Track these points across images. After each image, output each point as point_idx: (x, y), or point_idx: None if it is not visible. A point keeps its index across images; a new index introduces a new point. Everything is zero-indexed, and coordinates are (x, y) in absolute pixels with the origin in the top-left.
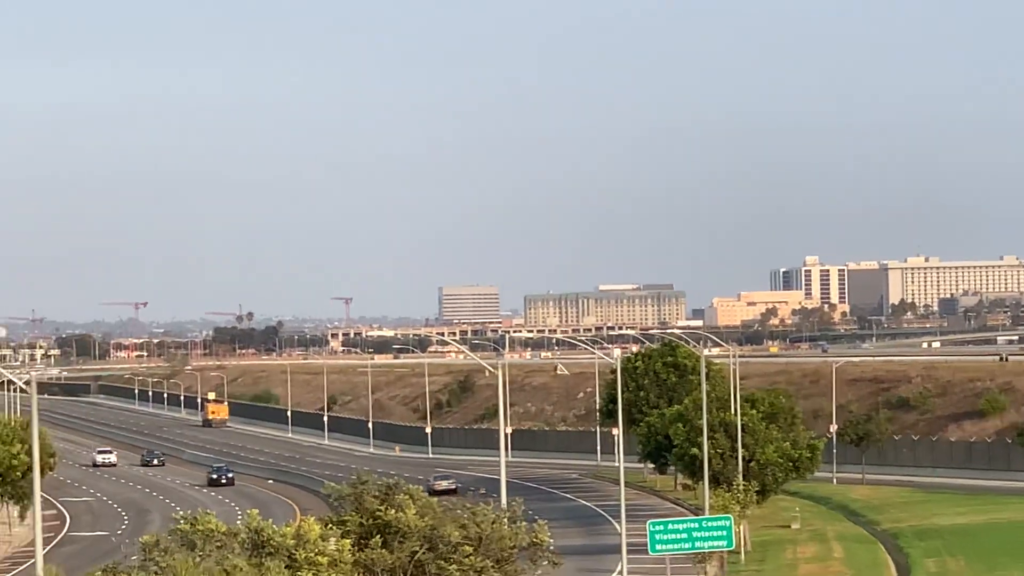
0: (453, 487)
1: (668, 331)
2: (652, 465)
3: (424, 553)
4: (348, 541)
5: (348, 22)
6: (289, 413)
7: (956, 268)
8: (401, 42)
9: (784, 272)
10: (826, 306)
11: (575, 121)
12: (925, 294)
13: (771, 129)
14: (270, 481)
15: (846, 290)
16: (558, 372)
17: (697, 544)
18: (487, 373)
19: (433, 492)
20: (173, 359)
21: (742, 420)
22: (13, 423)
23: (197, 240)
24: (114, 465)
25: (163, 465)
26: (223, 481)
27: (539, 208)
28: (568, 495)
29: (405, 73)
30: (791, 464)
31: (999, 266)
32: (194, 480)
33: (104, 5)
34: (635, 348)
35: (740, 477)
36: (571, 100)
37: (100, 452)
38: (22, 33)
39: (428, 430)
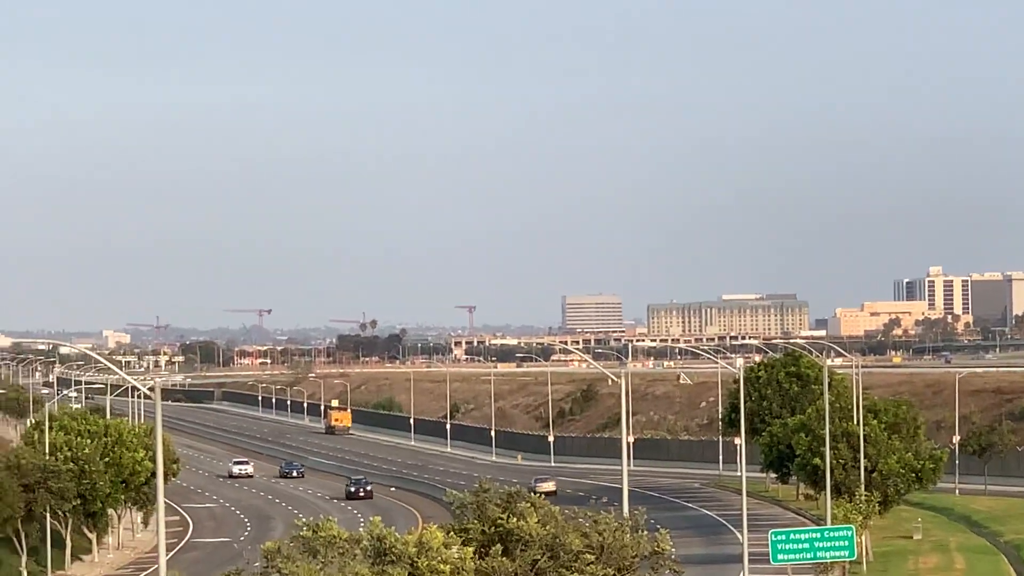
0: (553, 489)
1: (791, 341)
2: (774, 475)
3: (545, 561)
4: (470, 549)
5: (465, 25)
6: (412, 421)
7: None
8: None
9: (907, 282)
10: (949, 317)
11: (699, 129)
12: None
13: (897, 138)
14: (393, 489)
15: (969, 301)
16: (681, 381)
17: (819, 554)
18: (610, 382)
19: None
20: (297, 366)
21: (864, 430)
22: (137, 429)
23: (321, 248)
24: (250, 476)
25: (302, 477)
26: (361, 494)
27: (662, 218)
28: (690, 504)
29: (540, 80)
30: (913, 475)
31: None
32: (325, 489)
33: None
34: (758, 358)
35: (862, 487)
36: (698, 106)
37: (236, 463)
38: (162, 33)
39: (550, 438)
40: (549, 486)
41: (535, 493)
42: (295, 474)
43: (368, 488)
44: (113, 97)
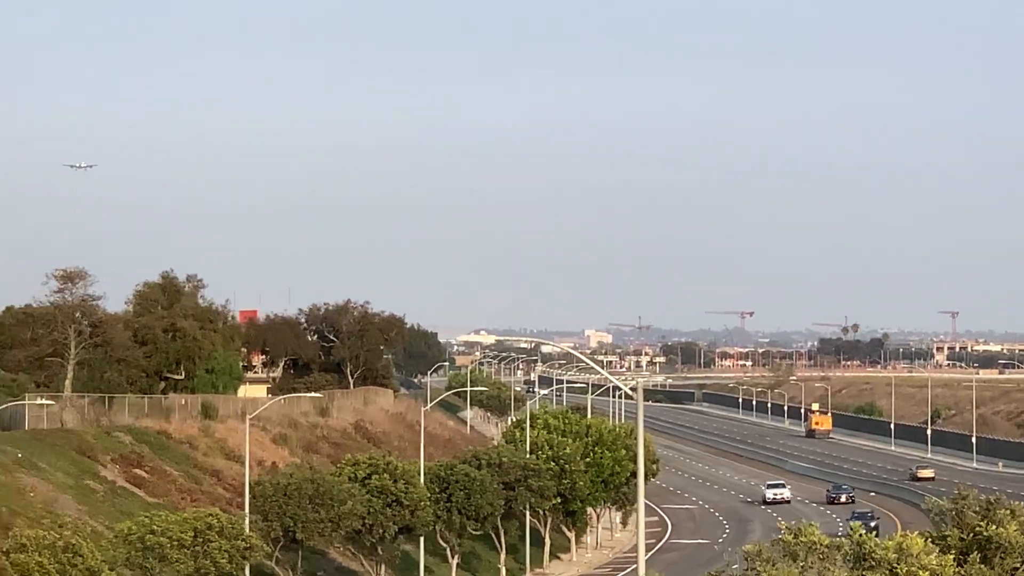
0: (931, 475)
1: None
2: None
3: None
4: (950, 557)
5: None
6: (892, 426)
7: None
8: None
9: None
10: None
11: None
12: None
13: None
14: (872, 494)
15: None
16: None
17: None
18: None
19: (915, 478)
20: (777, 369)
21: None
22: (618, 429)
23: (804, 250)
24: (787, 502)
25: (852, 502)
26: (842, 500)
27: None
28: None
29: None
30: None
31: None
32: (805, 493)
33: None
34: None
35: None
36: None
37: (771, 486)
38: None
39: None
40: (928, 472)
41: (913, 479)
42: (844, 499)
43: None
44: (610, 102)
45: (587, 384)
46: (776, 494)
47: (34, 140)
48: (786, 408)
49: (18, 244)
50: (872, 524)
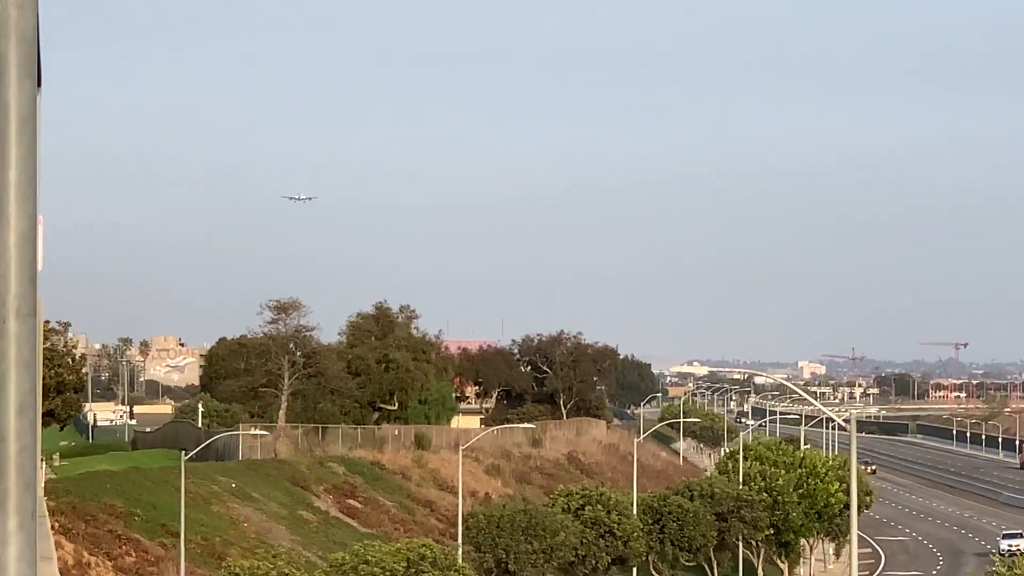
0: None
1: None
2: None
3: None
4: None
5: None
6: None
7: None
8: None
9: None
10: None
11: None
12: None
13: None
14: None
15: None
16: None
17: None
18: None
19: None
20: (991, 401)
21: None
22: (831, 461)
23: (1020, 281)
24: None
25: None
26: None
27: None
28: None
29: None
30: None
31: None
32: (1020, 526)
33: None
34: None
35: None
36: None
37: (1007, 536)
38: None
39: None
40: None
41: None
42: None
43: None
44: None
45: (800, 415)
46: (1013, 545)
47: (251, 171)
48: (1000, 440)
49: (232, 276)
50: None
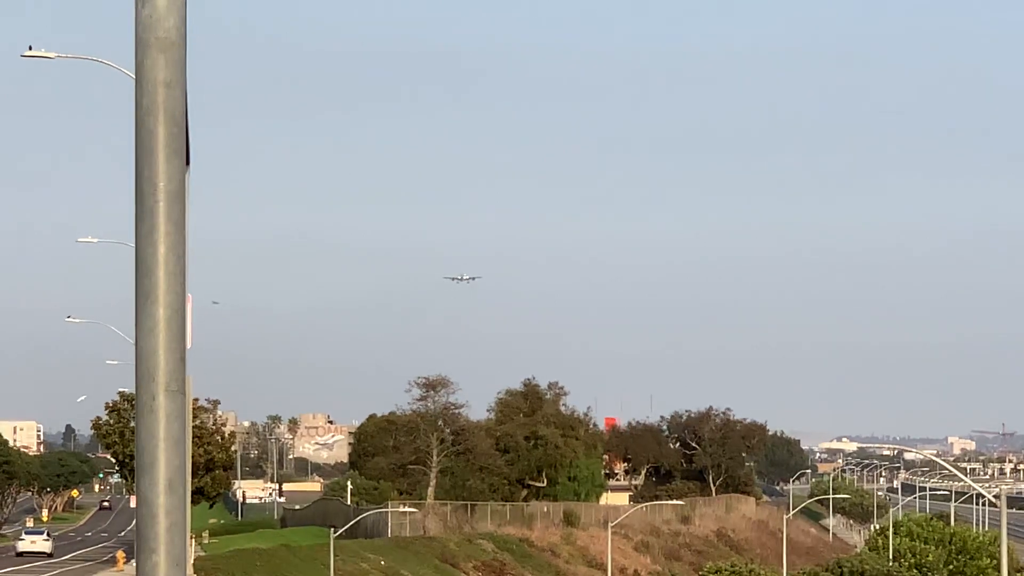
0: None
1: None
2: None
3: None
4: None
5: None
6: None
7: None
8: None
9: None
10: None
11: None
12: None
13: None
14: None
15: None
16: None
17: None
18: None
19: None
20: None
21: None
22: (981, 537)
23: None
24: None
25: None
26: None
27: None
28: None
29: None
30: None
31: None
32: None
33: None
34: None
35: None
36: None
37: None
38: None
39: None
40: None
41: None
42: None
43: None
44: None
45: (950, 491)
46: None
47: (409, 249)
48: None
49: (382, 354)
50: None
